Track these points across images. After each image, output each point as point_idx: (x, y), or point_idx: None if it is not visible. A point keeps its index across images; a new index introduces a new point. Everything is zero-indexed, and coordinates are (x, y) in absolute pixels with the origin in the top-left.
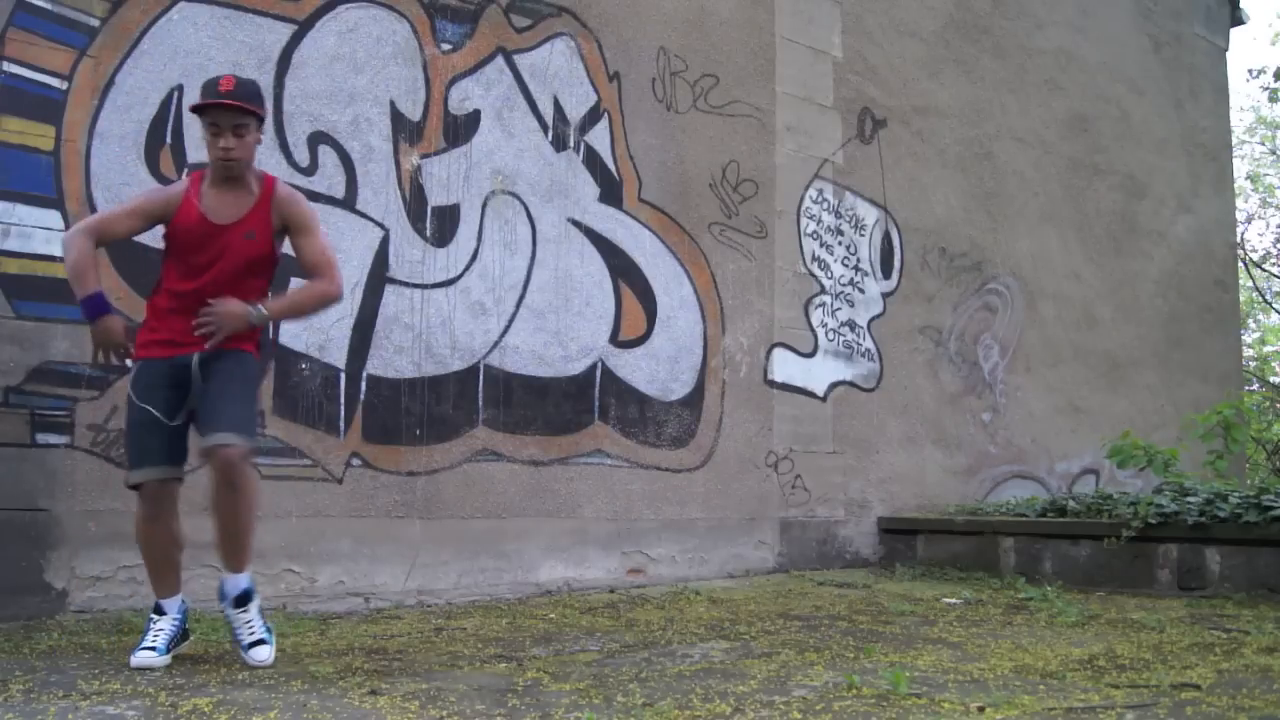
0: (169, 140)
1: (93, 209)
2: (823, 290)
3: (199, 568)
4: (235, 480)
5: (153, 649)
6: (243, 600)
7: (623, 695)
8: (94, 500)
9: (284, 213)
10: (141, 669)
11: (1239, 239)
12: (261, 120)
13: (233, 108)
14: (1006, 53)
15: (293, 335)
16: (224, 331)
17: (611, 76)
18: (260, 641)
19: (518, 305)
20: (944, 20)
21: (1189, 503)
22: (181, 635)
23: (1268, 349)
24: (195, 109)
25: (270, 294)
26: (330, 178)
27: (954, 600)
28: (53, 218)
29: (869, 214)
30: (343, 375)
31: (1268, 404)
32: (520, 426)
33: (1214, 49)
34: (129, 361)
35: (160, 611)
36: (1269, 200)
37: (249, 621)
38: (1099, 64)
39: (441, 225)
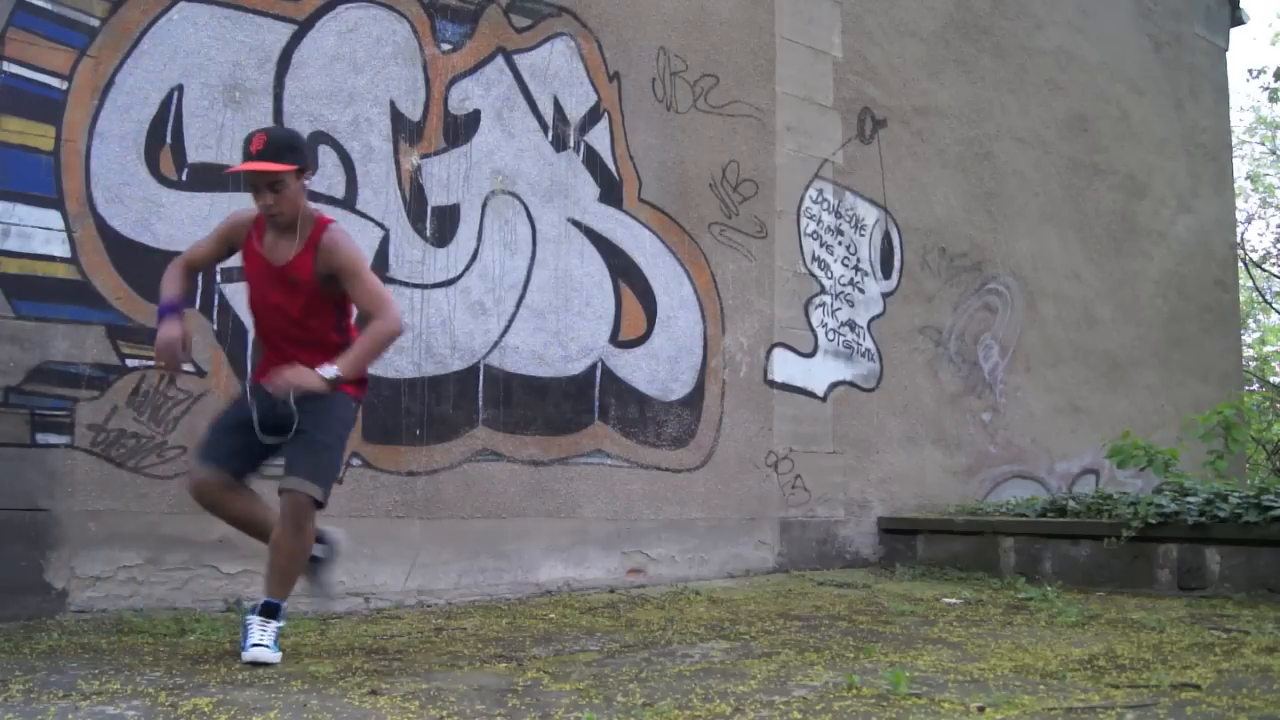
0: (169, 140)
1: (93, 209)
2: (823, 290)
3: (199, 568)
4: (301, 524)
5: (265, 647)
6: (268, 611)
7: (623, 695)
8: (94, 500)
9: (328, 261)
10: (256, 663)
11: (1239, 239)
12: (304, 168)
13: (264, 172)
14: (1006, 53)
15: None
16: (296, 392)
17: (611, 76)
18: (263, 645)
19: (518, 305)
20: (944, 20)
21: (1189, 503)
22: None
23: (1268, 349)
24: (230, 172)
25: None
26: (330, 178)
27: (954, 600)
28: (53, 218)
29: (869, 214)
30: None
31: (1268, 404)
32: (520, 426)
33: (1214, 49)
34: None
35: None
36: (1269, 200)
37: (263, 628)
38: (1099, 64)
39: (441, 225)
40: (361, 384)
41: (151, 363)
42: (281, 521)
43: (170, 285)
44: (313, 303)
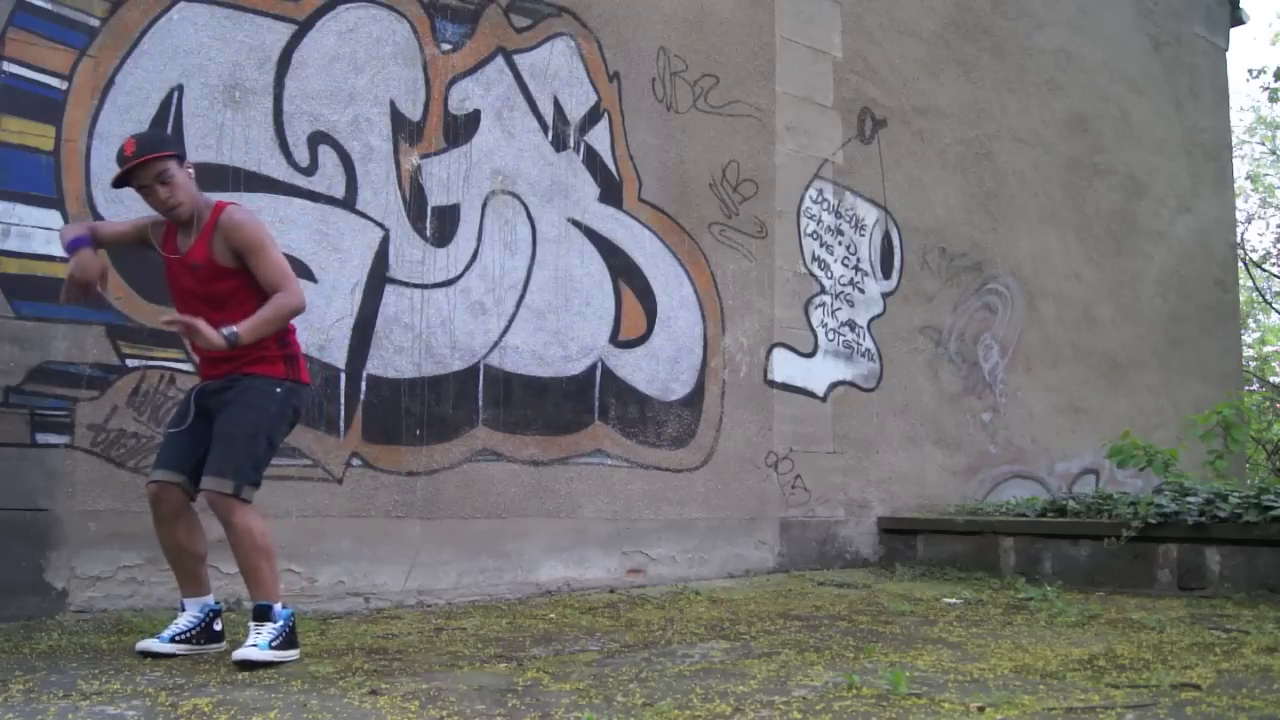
0: None
1: (93, 209)
2: (823, 290)
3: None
4: (230, 520)
5: (157, 637)
6: (259, 614)
7: (623, 695)
8: (94, 500)
9: (228, 239)
10: (142, 653)
11: (1239, 239)
12: (180, 156)
13: (148, 163)
14: (1006, 53)
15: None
16: (190, 339)
17: (611, 76)
18: (254, 646)
19: (518, 305)
20: (944, 20)
21: (1189, 503)
22: (203, 633)
23: (1268, 349)
24: (115, 183)
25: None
26: (330, 178)
27: (954, 600)
28: (53, 218)
29: (869, 214)
30: (343, 375)
31: (1268, 404)
32: (520, 426)
33: (1214, 49)
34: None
35: (183, 608)
36: (1269, 200)
37: (259, 630)
38: (1099, 64)
39: (441, 225)
40: (293, 367)
41: (151, 362)
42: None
43: (75, 228)
44: (225, 289)
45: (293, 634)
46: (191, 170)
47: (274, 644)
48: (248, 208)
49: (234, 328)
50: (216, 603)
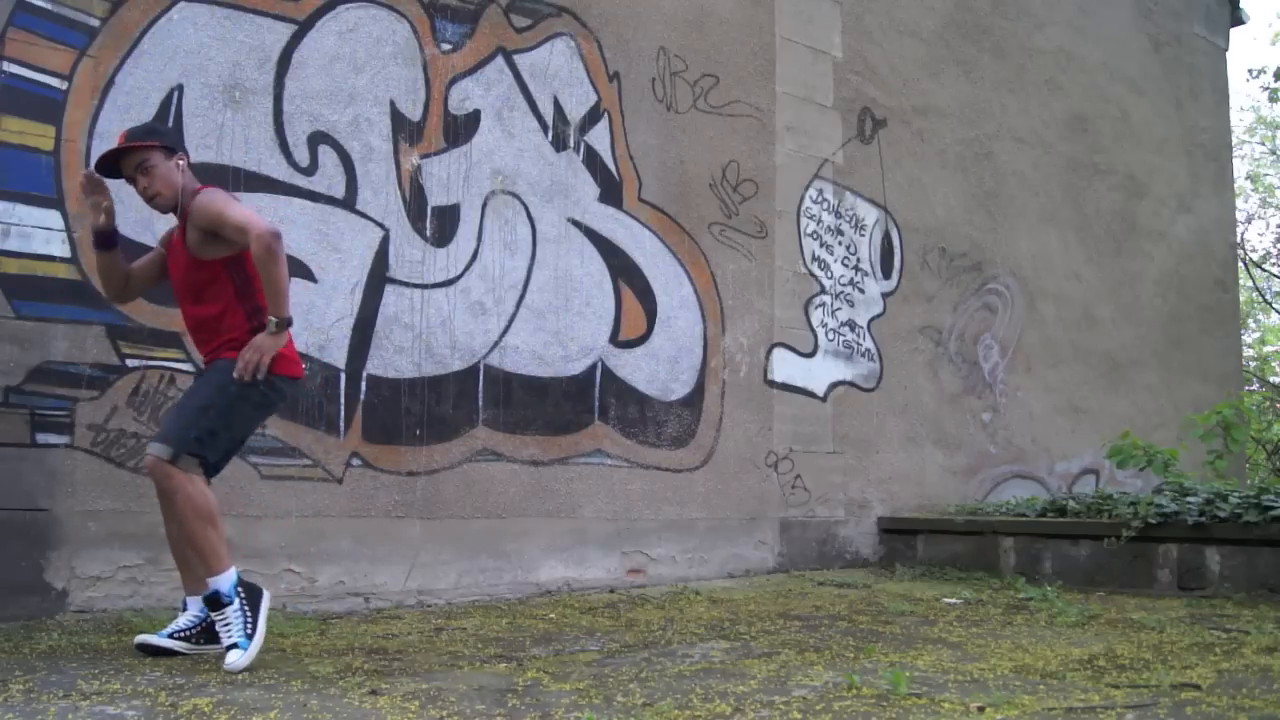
0: None
1: None
2: (823, 290)
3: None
4: (162, 486)
5: (153, 632)
6: (212, 602)
7: (623, 695)
8: (94, 500)
9: (199, 222)
10: (140, 645)
11: (1239, 239)
12: (169, 149)
13: (128, 152)
14: (1006, 53)
15: (293, 335)
16: (267, 360)
17: (611, 76)
18: (233, 646)
19: (518, 305)
20: (944, 20)
21: (1189, 503)
22: (203, 632)
23: (1268, 349)
24: (98, 168)
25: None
26: (330, 178)
27: (954, 600)
28: (53, 218)
29: (869, 214)
30: (343, 375)
31: (1268, 404)
32: (520, 426)
33: (1214, 49)
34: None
35: (184, 607)
36: (1269, 200)
37: (225, 623)
38: (1099, 64)
39: (441, 225)
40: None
41: (151, 362)
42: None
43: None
44: (201, 279)
45: (254, 600)
46: (184, 163)
47: (248, 630)
48: (219, 190)
49: (272, 319)
50: None
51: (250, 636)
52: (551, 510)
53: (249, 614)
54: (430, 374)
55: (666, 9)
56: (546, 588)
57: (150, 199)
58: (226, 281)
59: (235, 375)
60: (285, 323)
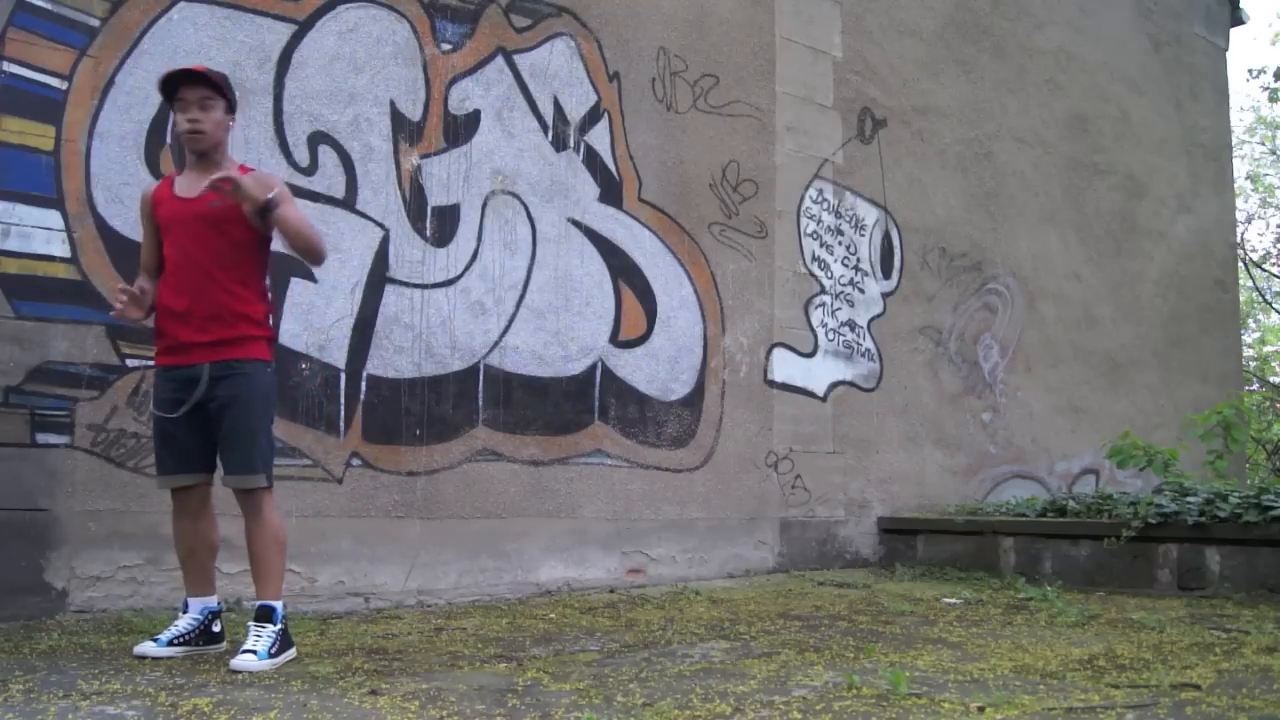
0: (169, 140)
1: (93, 209)
2: (823, 290)
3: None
4: (260, 512)
5: (154, 640)
6: (262, 616)
7: (623, 695)
8: (94, 500)
9: (266, 196)
10: (139, 656)
11: (1239, 239)
12: (232, 107)
13: (198, 81)
14: (1006, 53)
15: (292, 335)
16: (247, 188)
17: (611, 76)
18: (252, 652)
19: (518, 305)
20: (944, 20)
21: (1189, 503)
22: (202, 634)
23: (1268, 349)
24: (163, 85)
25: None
26: (330, 178)
27: (954, 600)
28: (53, 218)
29: (869, 214)
30: (343, 375)
31: (1268, 404)
32: (520, 426)
33: (1214, 49)
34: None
35: (185, 609)
36: (1269, 200)
37: (259, 635)
38: (1099, 64)
39: (441, 225)
40: (273, 347)
41: (151, 362)
42: (245, 519)
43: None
44: (236, 238)
45: (287, 634)
46: (233, 125)
47: (272, 650)
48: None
49: (274, 188)
50: (218, 603)
51: (273, 657)
52: (551, 510)
53: (281, 645)
54: (430, 374)
55: (666, 9)
56: (546, 588)
57: (193, 134)
58: (256, 253)
59: (216, 177)
60: (276, 202)
